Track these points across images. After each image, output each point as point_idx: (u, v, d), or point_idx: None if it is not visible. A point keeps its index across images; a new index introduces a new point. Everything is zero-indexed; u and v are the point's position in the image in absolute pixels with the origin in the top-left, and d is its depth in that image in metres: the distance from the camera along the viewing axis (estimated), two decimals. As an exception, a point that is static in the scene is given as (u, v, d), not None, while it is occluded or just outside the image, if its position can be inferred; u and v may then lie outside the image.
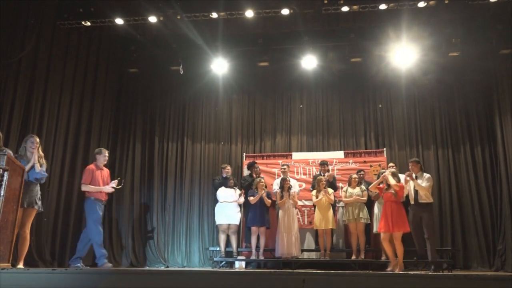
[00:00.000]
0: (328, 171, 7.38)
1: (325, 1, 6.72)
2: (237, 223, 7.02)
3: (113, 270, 2.88)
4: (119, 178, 6.07)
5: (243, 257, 6.99)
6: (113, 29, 7.38)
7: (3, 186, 3.62)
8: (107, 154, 5.95)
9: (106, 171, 5.98)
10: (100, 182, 5.74)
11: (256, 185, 6.85)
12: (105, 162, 5.95)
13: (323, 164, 7.40)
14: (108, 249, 7.57)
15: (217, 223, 7.06)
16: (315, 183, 6.93)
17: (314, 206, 6.90)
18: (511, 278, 2.38)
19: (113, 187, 5.89)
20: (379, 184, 5.95)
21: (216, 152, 8.74)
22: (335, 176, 7.52)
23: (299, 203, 7.27)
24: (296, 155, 8.18)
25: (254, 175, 7.32)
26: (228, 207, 6.98)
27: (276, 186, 7.21)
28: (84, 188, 5.68)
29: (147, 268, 7.36)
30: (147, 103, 8.72)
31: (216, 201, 7.20)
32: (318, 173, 7.42)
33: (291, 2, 6.74)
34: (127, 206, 7.94)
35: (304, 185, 7.69)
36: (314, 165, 7.83)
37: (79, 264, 5.67)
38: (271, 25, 7.26)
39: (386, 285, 2.51)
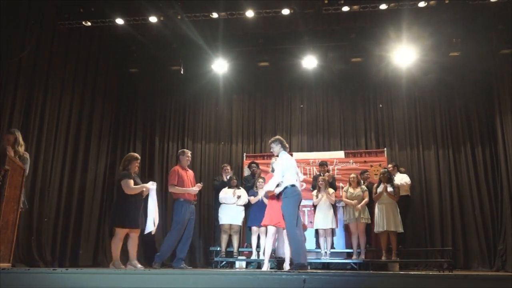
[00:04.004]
0: (327, 171, 7.40)
1: (326, 1, 6.71)
2: (240, 223, 7.00)
3: (113, 270, 2.89)
4: (201, 183, 5.94)
5: (243, 257, 6.99)
6: (113, 29, 7.38)
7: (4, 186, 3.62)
8: (189, 155, 5.85)
9: (191, 172, 5.90)
10: (187, 183, 5.63)
11: (257, 186, 6.85)
12: (189, 163, 5.87)
13: (323, 164, 7.41)
14: (108, 246, 7.57)
15: (219, 223, 7.06)
16: (316, 183, 6.93)
17: (315, 206, 6.90)
18: (511, 278, 2.38)
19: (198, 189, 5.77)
20: None
21: (216, 152, 8.75)
22: (336, 176, 7.54)
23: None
24: (297, 155, 8.16)
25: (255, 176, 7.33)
26: (231, 207, 6.96)
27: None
28: (171, 189, 5.53)
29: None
30: (147, 103, 8.72)
31: (216, 201, 7.20)
32: (318, 173, 7.43)
33: (292, 2, 6.74)
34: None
35: (304, 185, 7.68)
36: (315, 165, 7.84)
37: (182, 265, 5.63)
38: (271, 25, 7.25)
39: (386, 285, 2.51)
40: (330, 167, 7.74)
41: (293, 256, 4.70)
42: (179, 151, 5.97)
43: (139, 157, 5.33)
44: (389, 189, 6.47)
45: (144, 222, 5.03)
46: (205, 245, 8.06)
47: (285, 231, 5.01)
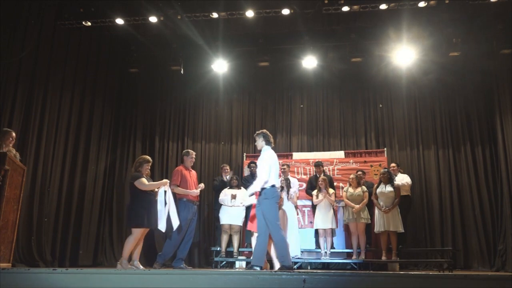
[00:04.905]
0: (323, 171, 7.38)
1: (326, 1, 6.71)
2: (240, 223, 6.98)
3: (113, 270, 2.88)
4: (202, 184, 5.90)
5: (243, 257, 6.98)
6: (113, 29, 7.39)
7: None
8: (194, 156, 5.84)
9: (194, 172, 5.88)
10: (190, 183, 5.60)
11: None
12: (192, 164, 5.84)
13: (318, 165, 7.40)
14: (108, 246, 7.58)
15: (220, 223, 7.05)
16: (311, 185, 6.93)
17: (315, 206, 6.90)
18: (511, 278, 2.38)
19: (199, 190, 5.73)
20: None
21: (216, 152, 8.75)
22: (336, 176, 7.55)
23: (299, 203, 7.26)
24: (297, 155, 8.18)
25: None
26: (231, 207, 6.94)
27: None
28: (174, 189, 5.50)
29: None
30: (147, 103, 8.72)
31: (216, 201, 7.20)
32: (314, 174, 7.42)
33: (292, 2, 6.74)
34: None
35: (304, 185, 7.69)
36: (315, 165, 7.84)
37: (182, 266, 5.60)
38: (271, 25, 7.26)
39: (386, 285, 2.51)
40: (330, 167, 7.73)
41: (279, 259, 4.40)
42: (184, 151, 5.96)
43: (151, 160, 5.30)
44: (389, 188, 6.47)
45: (165, 222, 5.04)
46: (205, 245, 8.06)
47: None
